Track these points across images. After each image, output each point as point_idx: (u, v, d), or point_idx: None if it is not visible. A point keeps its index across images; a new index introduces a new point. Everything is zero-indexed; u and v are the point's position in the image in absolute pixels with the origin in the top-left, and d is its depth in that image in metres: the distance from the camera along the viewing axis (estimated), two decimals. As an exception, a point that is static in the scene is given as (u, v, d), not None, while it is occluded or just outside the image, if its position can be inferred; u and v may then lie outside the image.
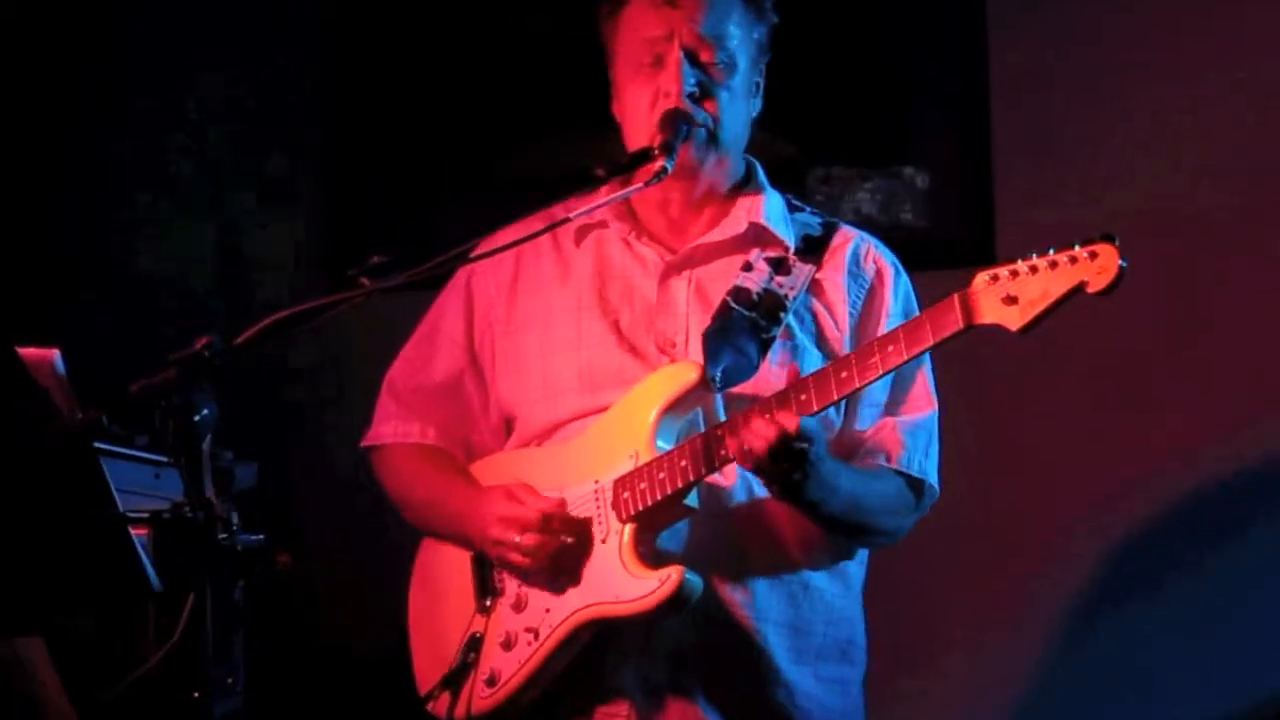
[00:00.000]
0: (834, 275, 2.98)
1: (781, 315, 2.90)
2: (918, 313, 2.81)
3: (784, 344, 2.91)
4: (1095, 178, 4.36)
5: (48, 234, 4.78)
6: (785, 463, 2.66)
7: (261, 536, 3.15)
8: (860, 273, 3.00)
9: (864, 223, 4.30)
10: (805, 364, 2.89)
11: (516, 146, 4.65)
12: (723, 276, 2.97)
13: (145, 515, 3.04)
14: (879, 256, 3.03)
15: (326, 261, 4.70)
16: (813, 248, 2.99)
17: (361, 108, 4.77)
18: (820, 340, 2.94)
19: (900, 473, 2.92)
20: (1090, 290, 2.53)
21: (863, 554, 3.02)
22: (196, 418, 2.37)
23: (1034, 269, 2.56)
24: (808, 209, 3.08)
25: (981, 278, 2.61)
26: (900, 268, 3.04)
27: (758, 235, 2.99)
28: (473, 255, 2.79)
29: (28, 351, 2.56)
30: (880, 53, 4.53)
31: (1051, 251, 2.57)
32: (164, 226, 4.81)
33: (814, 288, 2.97)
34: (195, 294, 4.77)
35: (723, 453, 2.75)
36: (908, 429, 2.94)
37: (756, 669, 2.89)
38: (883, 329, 2.91)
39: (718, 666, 2.88)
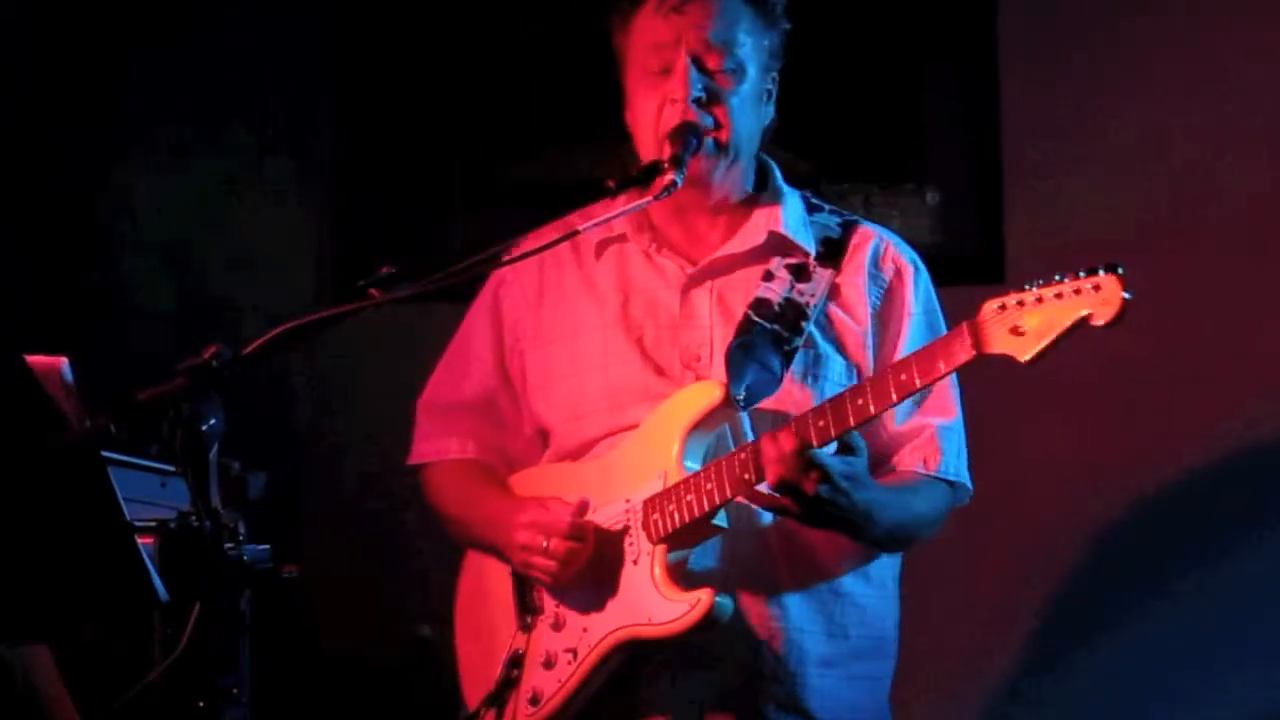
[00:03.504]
0: (854, 278, 2.98)
1: (803, 324, 2.91)
2: (939, 311, 2.83)
3: (806, 353, 2.92)
4: (1106, 196, 4.36)
5: (51, 241, 4.78)
6: (802, 486, 2.68)
7: (268, 546, 3.16)
8: (879, 273, 2.99)
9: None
10: (829, 372, 2.91)
11: (526, 155, 4.66)
12: (744, 287, 2.97)
13: (152, 524, 3.04)
14: (898, 255, 3.02)
15: (334, 272, 4.70)
16: (832, 250, 2.99)
17: (368, 115, 4.77)
18: (842, 346, 2.95)
19: (938, 478, 2.95)
20: (1094, 323, 2.52)
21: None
22: (204, 427, 2.37)
23: (1040, 299, 2.56)
24: (827, 207, 3.07)
25: (990, 307, 2.61)
26: (920, 265, 3.03)
27: (778, 244, 2.99)
28: (500, 261, 2.80)
29: (36, 359, 2.56)
30: (892, 70, 4.54)
31: (1058, 279, 2.56)
32: (166, 234, 4.82)
33: (834, 292, 2.96)
34: (197, 304, 4.78)
35: (747, 477, 2.76)
36: (944, 434, 2.96)
37: (790, 679, 2.90)
38: (904, 329, 2.94)
39: (751, 677, 2.90)
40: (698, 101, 2.89)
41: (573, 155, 4.55)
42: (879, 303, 2.97)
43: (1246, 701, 4.21)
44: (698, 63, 2.90)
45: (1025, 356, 2.57)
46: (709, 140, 2.90)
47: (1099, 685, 4.27)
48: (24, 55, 4.72)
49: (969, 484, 3.00)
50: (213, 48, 4.79)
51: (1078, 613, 4.32)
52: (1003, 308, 2.59)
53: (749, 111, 2.95)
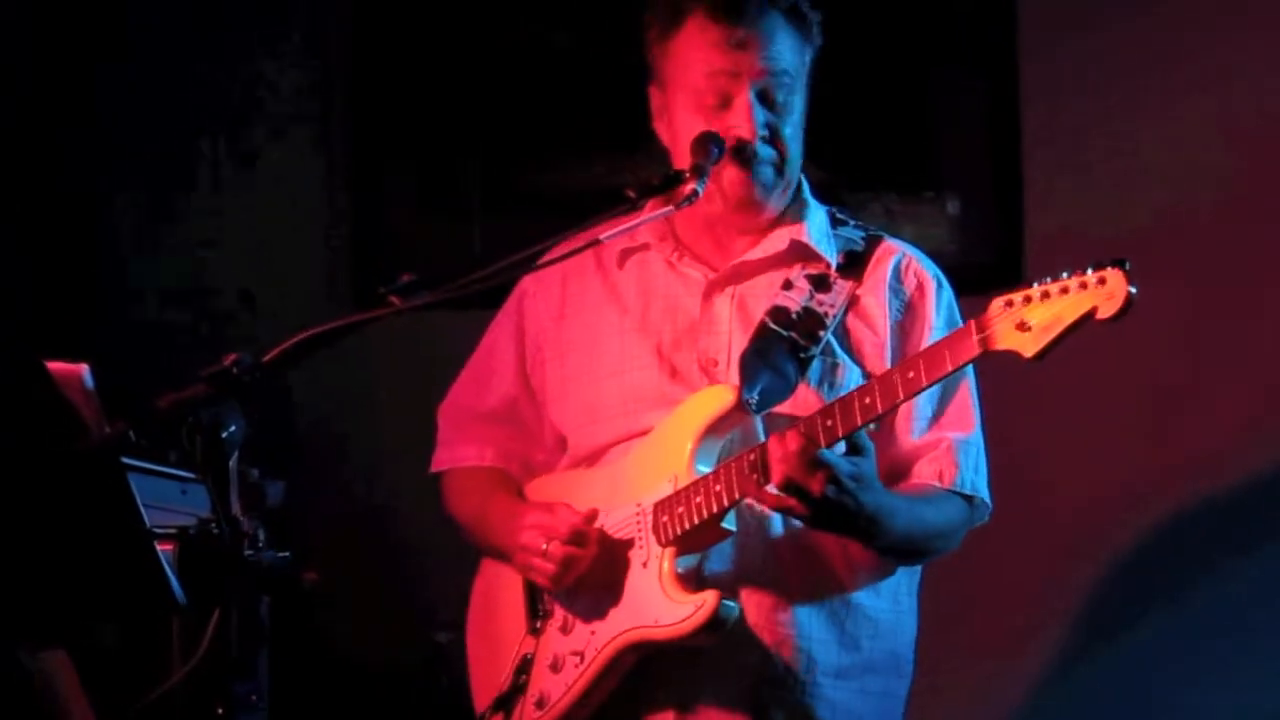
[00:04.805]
0: (875, 291, 2.97)
1: (821, 334, 2.90)
2: (961, 324, 2.81)
3: (823, 362, 2.91)
4: (1126, 204, 4.36)
5: (67, 249, 4.78)
6: (808, 486, 2.67)
7: (287, 554, 3.16)
8: (901, 287, 2.98)
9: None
10: (846, 382, 2.90)
11: (548, 163, 4.66)
12: (764, 294, 2.97)
13: (172, 531, 3.04)
14: (920, 270, 3.01)
15: (352, 279, 4.70)
16: (854, 263, 2.99)
17: (386, 122, 4.77)
18: (860, 357, 2.94)
19: (955, 492, 2.93)
20: (1099, 317, 2.52)
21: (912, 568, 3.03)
22: (224, 434, 2.38)
23: (1046, 294, 2.56)
24: (852, 222, 3.07)
25: (997, 303, 2.61)
26: (943, 280, 3.03)
27: (799, 252, 2.99)
28: (521, 269, 2.79)
29: (56, 366, 2.56)
30: (912, 79, 4.54)
31: (1065, 275, 2.56)
32: (184, 241, 4.82)
33: (854, 304, 2.96)
34: (220, 311, 4.78)
35: (755, 477, 2.75)
36: (961, 447, 2.94)
37: (799, 686, 2.89)
38: (925, 343, 2.91)
39: (759, 683, 2.89)
40: (763, 138, 2.90)
41: (591, 163, 4.56)
42: (899, 316, 2.96)
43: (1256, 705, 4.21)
44: (760, 97, 2.90)
45: (1031, 352, 2.57)
46: (768, 170, 2.91)
47: (1117, 695, 4.26)
48: (24, 55, 4.73)
49: (987, 499, 2.97)
50: (224, 49, 4.80)
51: (1096, 625, 4.31)
52: (1009, 303, 2.59)
53: (799, 136, 2.96)
